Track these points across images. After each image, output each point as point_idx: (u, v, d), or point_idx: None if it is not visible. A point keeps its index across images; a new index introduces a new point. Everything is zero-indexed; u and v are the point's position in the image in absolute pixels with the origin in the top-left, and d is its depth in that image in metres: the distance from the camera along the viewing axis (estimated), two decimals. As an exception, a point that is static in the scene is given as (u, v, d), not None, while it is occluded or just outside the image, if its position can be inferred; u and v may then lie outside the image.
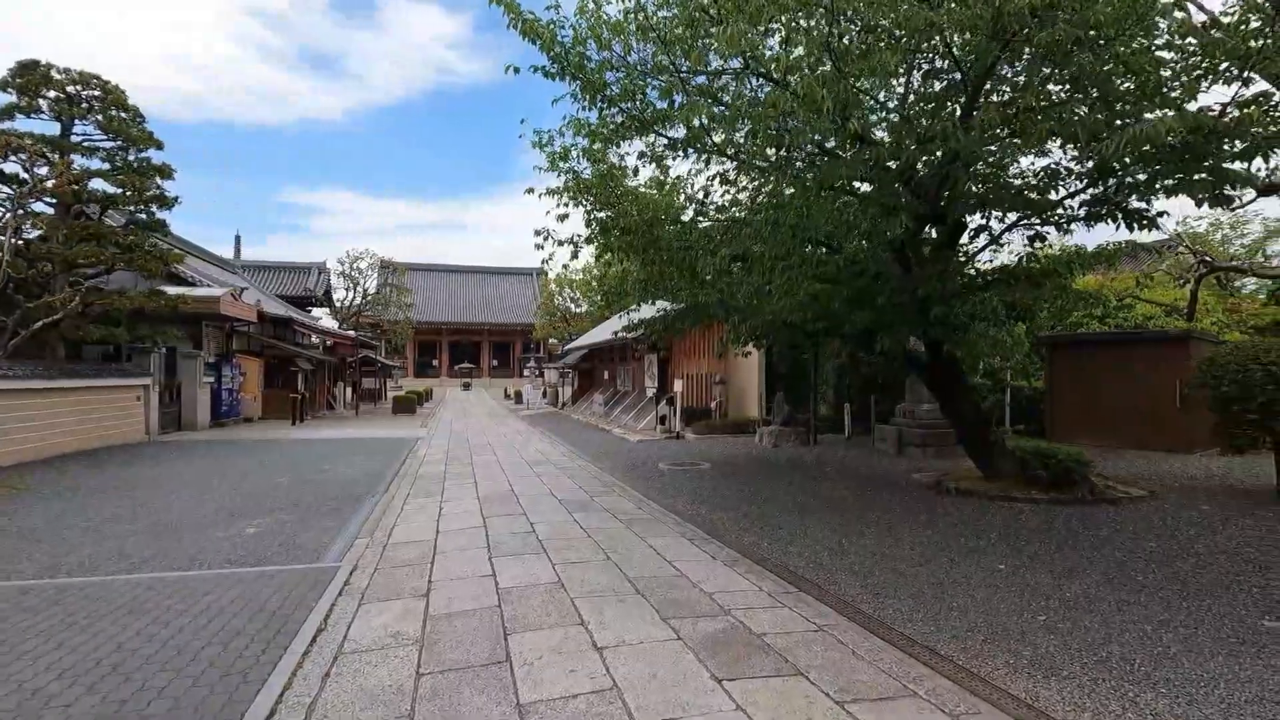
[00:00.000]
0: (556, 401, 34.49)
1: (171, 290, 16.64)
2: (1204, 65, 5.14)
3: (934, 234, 7.38)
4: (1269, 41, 4.85)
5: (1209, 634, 3.97)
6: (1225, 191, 5.32)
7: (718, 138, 6.50)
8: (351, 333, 36.71)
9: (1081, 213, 6.30)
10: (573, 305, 40.04)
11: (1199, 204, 5.89)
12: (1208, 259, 13.25)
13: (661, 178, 9.17)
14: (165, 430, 18.06)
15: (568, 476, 10.62)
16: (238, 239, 45.67)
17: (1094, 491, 7.64)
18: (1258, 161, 4.89)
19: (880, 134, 6.30)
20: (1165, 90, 5.16)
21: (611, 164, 8.44)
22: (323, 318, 39.21)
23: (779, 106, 5.49)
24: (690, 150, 6.33)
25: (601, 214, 8.08)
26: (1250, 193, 7.33)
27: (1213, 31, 5.40)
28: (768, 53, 6.02)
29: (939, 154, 5.76)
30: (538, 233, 8.28)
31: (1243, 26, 5.21)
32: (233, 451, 13.88)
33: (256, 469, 11.30)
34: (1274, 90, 5.26)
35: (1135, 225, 5.89)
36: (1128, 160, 5.17)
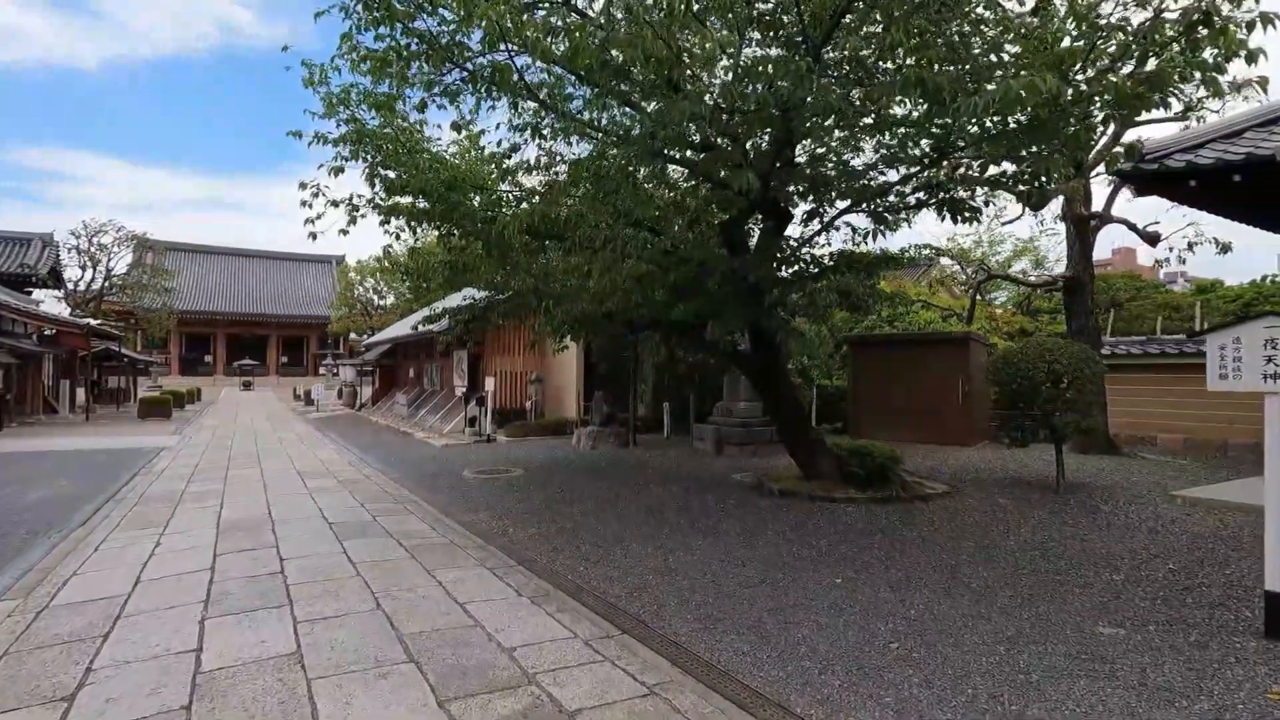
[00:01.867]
0: (355, 402, 31.01)
1: None
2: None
3: (762, 220, 6.94)
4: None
5: (1059, 649, 3.67)
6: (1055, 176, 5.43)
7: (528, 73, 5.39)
8: (85, 320, 30.08)
9: (912, 200, 6.19)
10: (376, 296, 36.42)
11: (1036, 191, 5.98)
12: (984, 268, 14.81)
13: (466, 144, 7.87)
14: None
15: (350, 491, 8.86)
16: (-79, 198, 35.65)
17: (905, 488, 7.69)
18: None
19: (712, 99, 5.66)
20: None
21: (403, 117, 7.00)
22: (45, 300, 31.74)
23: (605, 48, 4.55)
24: (493, 90, 5.19)
25: (389, 172, 6.59)
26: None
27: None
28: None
29: (774, 120, 5.21)
30: (304, 185, 6.56)
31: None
32: None
33: (-118, 499, 8.09)
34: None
35: (959, 216, 5.85)
36: (973, 131, 5.00)
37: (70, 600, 4.57)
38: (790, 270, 6.60)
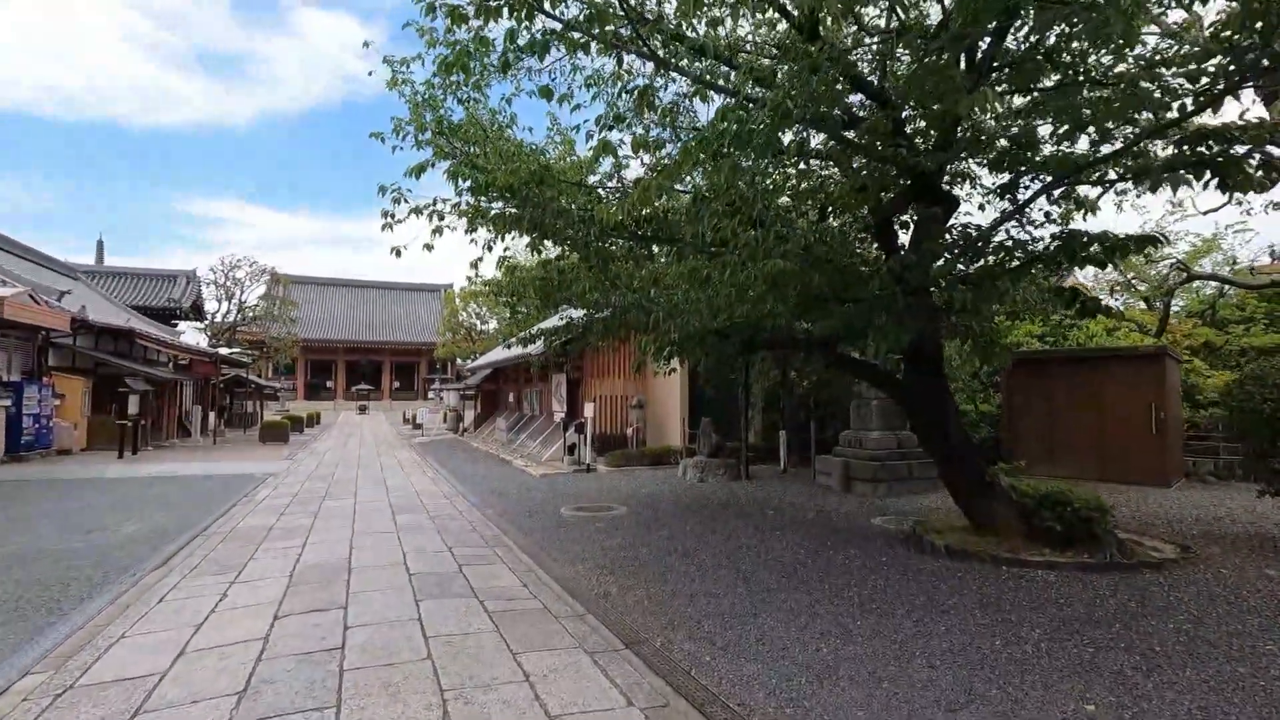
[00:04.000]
0: (458, 427, 31.31)
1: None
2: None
3: (918, 208, 5.49)
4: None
5: None
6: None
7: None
8: (219, 350, 32.25)
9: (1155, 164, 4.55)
10: (478, 321, 37.02)
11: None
12: (1184, 267, 12.35)
13: (560, 145, 6.95)
14: (-72, 468, 14.00)
15: (439, 531, 8.04)
16: (100, 244, 39.95)
17: (1122, 550, 5.89)
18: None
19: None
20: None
21: (491, 111, 6.16)
22: (187, 331, 34.40)
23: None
24: (592, 39, 4.17)
25: (476, 172, 5.72)
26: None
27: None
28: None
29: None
30: (383, 189, 5.81)
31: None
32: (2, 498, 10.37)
33: (8, 526, 8.06)
34: None
35: (1228, 182, 4.18)
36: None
37: (99, 679, 3.81)
38: (974, 266, 5.13)
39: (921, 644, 4.25)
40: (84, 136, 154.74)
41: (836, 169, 6.24)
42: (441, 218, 6.34)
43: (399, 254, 6.36)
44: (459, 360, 40.39)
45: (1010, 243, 4.91)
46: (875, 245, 5.96)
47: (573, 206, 5.95)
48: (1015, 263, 4.84)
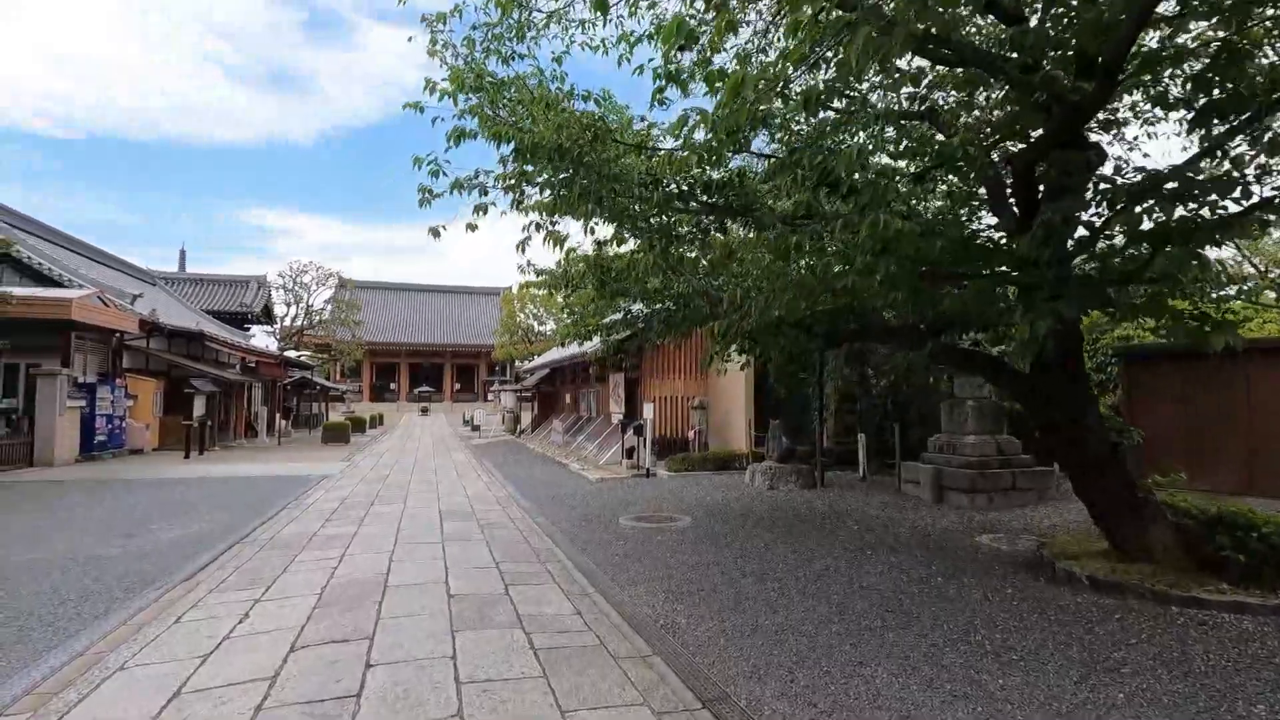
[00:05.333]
0: (515, 428, 31.04)
1: None
2: None
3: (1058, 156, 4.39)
4: None
5: None
6: None
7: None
8: (289, 352, 33.01)
9: None
10: (535, 323, 36.75)
11: None
12: None
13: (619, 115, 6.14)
14: (7, 466, 14.35)
15: (487, 542, 7.35)
16: (182, 254, 41.65)
17: (1334, 589, 4.64)
18: None
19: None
20: None
21: (538, 71, 5.39)
22: (257, 335, 35.39)
23: None
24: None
25: (521, 133, 4.95)
26: None
27: None
28: None
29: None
30: (418, 161, 5.13)
31: None
32: (51, 500, 10.32)
33: (42, 531, 7.83)
34: None
35: None
36: None
37: (75, 726, 3.20)
38: (1163, 219, 3.98)
39: (1094, 715, 3.21)
40: (166, 155, 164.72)
41: (936, 131, 5.23)
42: (485, 192, 5.62)
43: (437, 234, 5.68)
44: (517, 362, 40.34)
45: (1214, 186, 3.77)
46: (992, 212, 4.90)
47: (628, 165, 5.11)
48: (1223, 212, 3.69)
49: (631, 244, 7.41)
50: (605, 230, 7.06)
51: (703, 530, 7.93)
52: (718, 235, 6.12)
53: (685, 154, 4.40)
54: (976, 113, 4.22)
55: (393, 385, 58.84)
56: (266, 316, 37.69)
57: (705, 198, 5.07)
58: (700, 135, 4.22)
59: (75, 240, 24.30)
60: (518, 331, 37.31)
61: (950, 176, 3.45)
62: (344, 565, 6.28)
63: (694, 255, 7.05)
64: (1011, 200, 4.58)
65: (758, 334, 7.15)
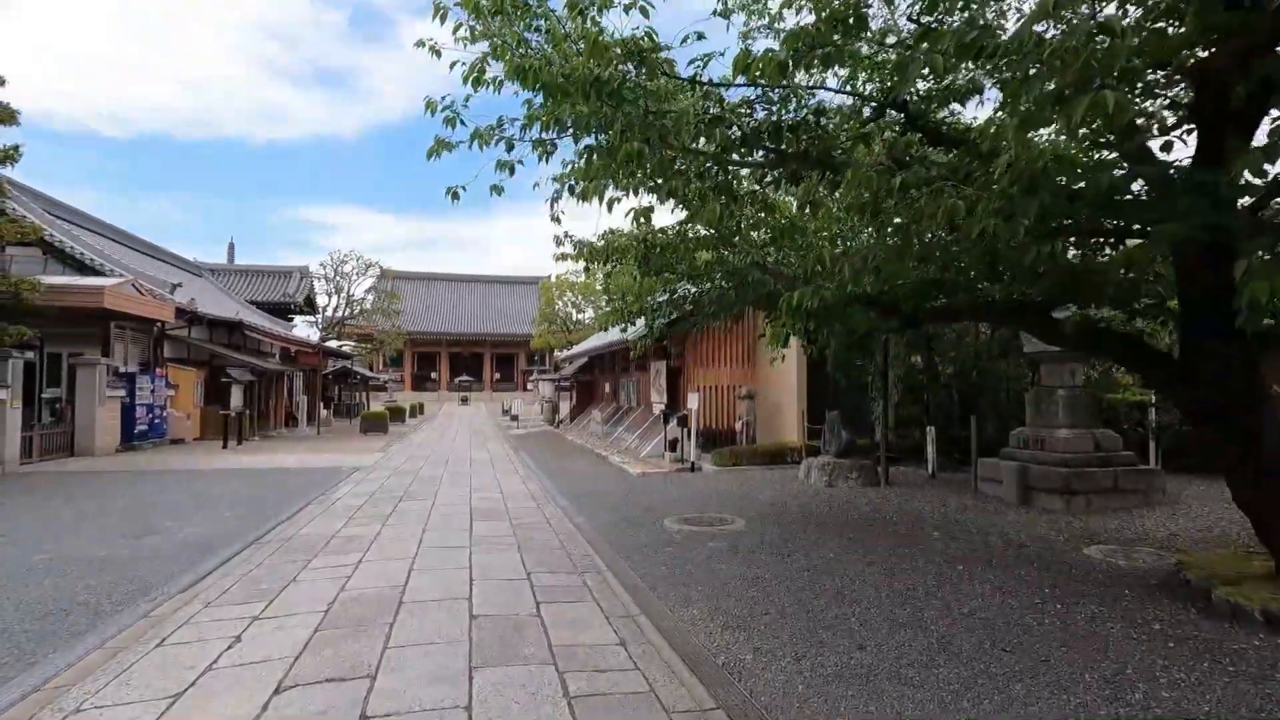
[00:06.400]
0: (553, 418, 30.50)
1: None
2: None
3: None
4: None
5: None
6: None
7: None
8: (330, 342, 33.10)
9: None
10: (574, 310, 36.11)
11: None
12: None
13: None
14: (48, 456, 14.30)
15: (519, 547, 6.61)
16: (231, 247, 42.41)
17: None
18: None
19: None
20: None
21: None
22: (299, 325, 35.63)
23: None
24: None
25: (549, 66, 4.09)
26: None
27: None
28: None
29: None
30: (431, 107, 4.34)
31: None
32: (75, 493, 10.01)
33: (54, 528, 7.40)
34: None
35: None
36: None
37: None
38: None
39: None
40: (217, 154, 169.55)
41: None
42: (510, 147, 4.80)
43: (456, 196, 4.91)
44: (555, 351, 39.84)
45: None
46: (1134, 161, 3.85)
47: (687, 114, 4.21)
48: None
49: (676, 216, 6.55)
50: (648, 199, 6.22)
51: (759, 535, 7.04)
52: (790, 195, 5.19)
53: (750, 81, 3.50)
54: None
55: (433, 375, 59.13)
56: (309, 307, 37.98)
57: (774, 145, 4.16)
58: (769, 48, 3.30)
59: (122, 233, 24.56)
60: (555, 320, 36.76)
61: (1106, 93, 2.50)
62: (358, 574, 5.60)
63: (752, 222, 6.14)
64: (1179, 133, 3.54)
65: (822, 314, 6.20)
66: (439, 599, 4.92)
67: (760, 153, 4.38)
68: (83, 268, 17.72)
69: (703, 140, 4.26)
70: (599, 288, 36.85)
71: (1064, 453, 8.23)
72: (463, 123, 4.63)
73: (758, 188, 5.07)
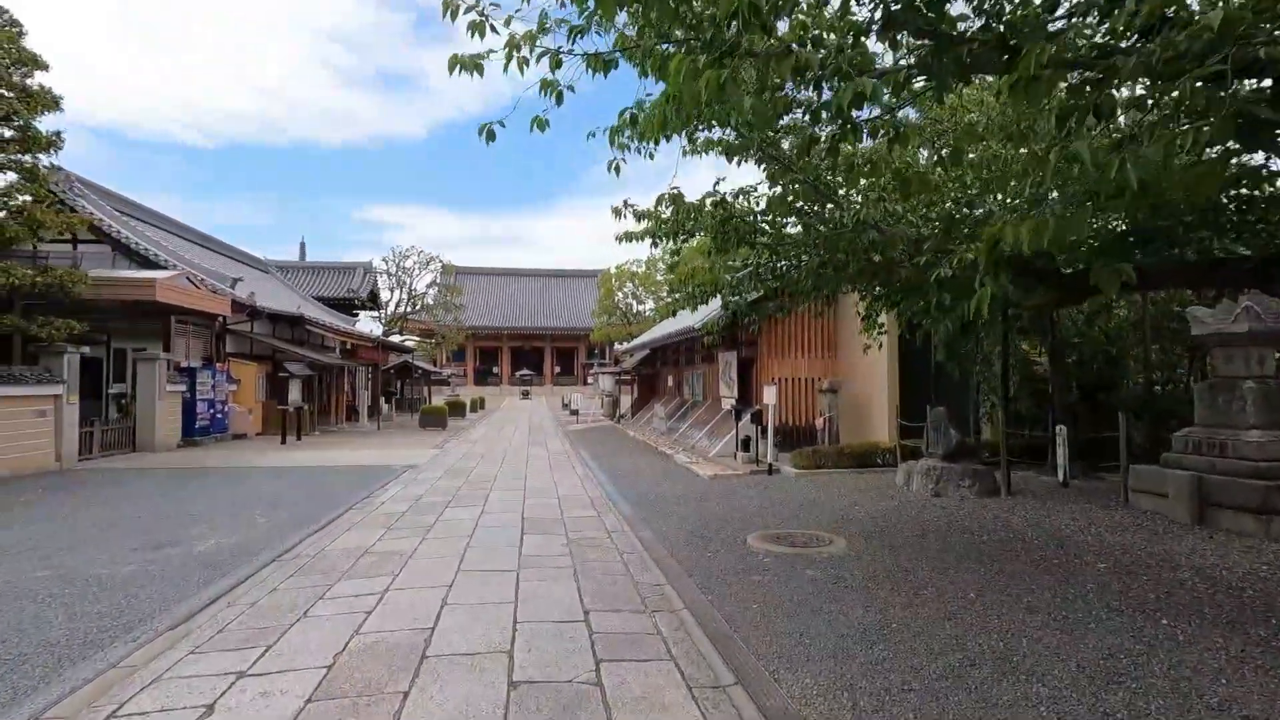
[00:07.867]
0: (614, 413, 29.50)
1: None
2: None
3: None
4: None
5: None
6: None
7: None
8: (393, 336, 33.10)
9: None
10: (634, 302, 35.01)
11: None
12: None
13: None
14: (110, 451, 14.18)
15: (576, 573, 5.47)
16: (302, 245, 43.57)
17: None
18: None
19: None
20: None
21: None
22: (362, 319, 35.83)
23: None
24: None
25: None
26: None
27: None
28: None
29: None
30: (450, 9, 3.23)
31: None
32: (110, 493, 9.52)
33: (69, 538, 6.75)
34: None
35: None
36: None
37: None
38: None
39: None
40: (290, 158, 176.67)
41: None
42: (559, 65, 3.62)
43: (492, 136, 3.78)
44: (616, 344, 38.92)
45: None
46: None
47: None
48: None
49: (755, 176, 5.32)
50: (730, 136, 5.00)
51: (868, 562, 5.69)
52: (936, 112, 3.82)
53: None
54: None
55: (495, 369, 59.30)
56: (373, 302, 38.29)
57: (936, 14, 2.82)
58: None
59: (196, 232, 24.85)
60: (615, 312, 35.77)
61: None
62: (381, 609, 4.57)
63: (866, 169, 4.79)
64: None
65: (944, 288, 4.79)
66: (472, 651, 3.83)
67: (908, 37, 3.06)
68: (146, 263, 17.74)
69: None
70: (659, 278, 35.66)
71: (1258, 460, 6.51)
72: (493, 29, 3.48)
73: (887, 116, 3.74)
